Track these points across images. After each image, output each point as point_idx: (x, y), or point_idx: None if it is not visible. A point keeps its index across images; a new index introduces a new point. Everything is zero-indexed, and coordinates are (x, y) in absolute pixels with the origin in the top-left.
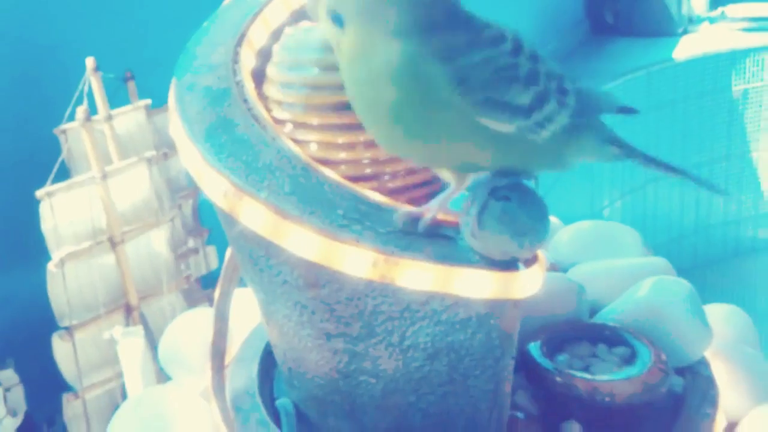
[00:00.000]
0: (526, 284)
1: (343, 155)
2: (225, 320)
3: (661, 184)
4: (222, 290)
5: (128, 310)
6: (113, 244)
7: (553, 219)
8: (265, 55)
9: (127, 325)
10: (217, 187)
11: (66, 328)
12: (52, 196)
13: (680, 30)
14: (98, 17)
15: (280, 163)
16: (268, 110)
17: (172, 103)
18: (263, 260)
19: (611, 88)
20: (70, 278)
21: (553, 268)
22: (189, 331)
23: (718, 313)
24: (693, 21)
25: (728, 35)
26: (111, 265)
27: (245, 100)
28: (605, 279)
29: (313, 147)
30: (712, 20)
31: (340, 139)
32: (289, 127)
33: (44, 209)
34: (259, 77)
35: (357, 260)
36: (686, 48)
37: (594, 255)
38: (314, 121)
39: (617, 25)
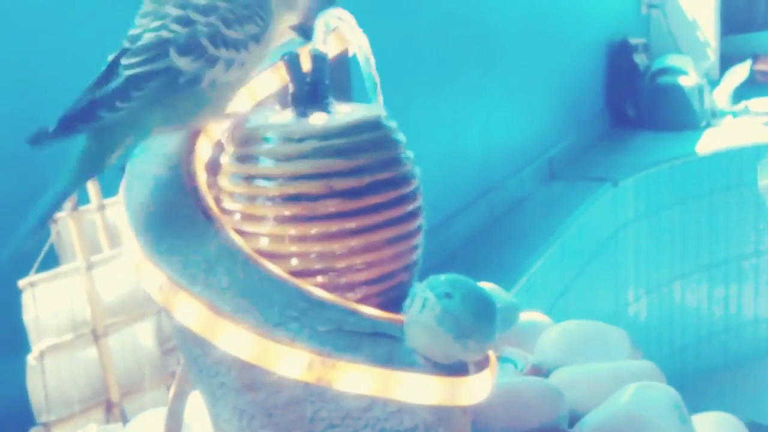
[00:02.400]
0: (475, 390)
1: (293, 248)
2: (178, 421)
3: (689, 280)
4: (177, 390)
5: (109, 406)
6: (96, 336)
7: (540, 316)
8: (221, 146)
9: (108, 422)
10: (154, 280)
11: (44, 424)
12: (35, 286)
13: (703, 124)
14: None
15: (220, 257)
16: (219, 201)
17: (121, 192)
18: (201, 359)
19: (633, 180)
20: (50, 372)
21: (536, 371)
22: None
23: (710, 422)
24: (716, 115)
25: (752, 129)
26: (93, 359)
27: (194, 191)
28: (588, 384)
29: (263, 240)
30: (735, 114)
31: (291, 231)
32: (237, 218)
33: (26, 299)
34: (215, 168)
35: (292, 361)
36: (710, 142)
37: (580, 356)
38: (264, 213)
39: (639, 118)
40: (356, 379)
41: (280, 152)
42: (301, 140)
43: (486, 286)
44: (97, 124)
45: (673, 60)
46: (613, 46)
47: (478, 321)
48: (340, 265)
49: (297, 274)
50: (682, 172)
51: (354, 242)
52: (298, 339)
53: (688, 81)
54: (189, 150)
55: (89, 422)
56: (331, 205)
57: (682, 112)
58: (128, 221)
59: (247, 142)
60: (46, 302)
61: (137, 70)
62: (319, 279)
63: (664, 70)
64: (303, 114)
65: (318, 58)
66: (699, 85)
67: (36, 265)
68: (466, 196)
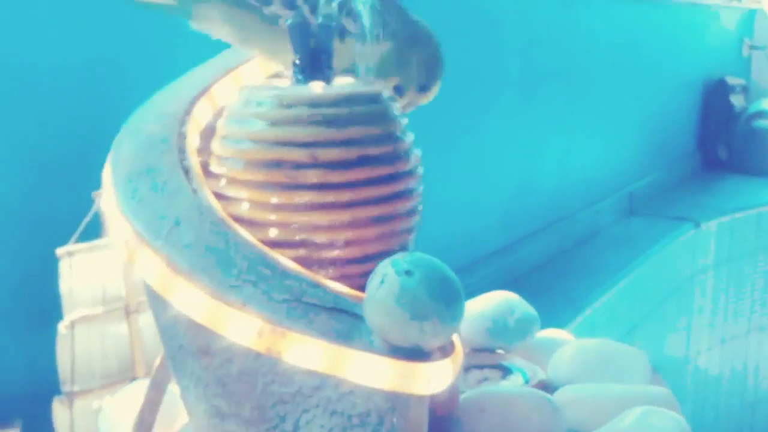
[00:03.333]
0: (433, 378)
1: (273, 217)
2: (160, 390)
3: (767, 333)
4: (163, 360)
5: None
6: (128, 312)
7: (564, 334)
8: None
9: None
10: (121, 232)
11: (67, 394)
12: (72, 255)
13: None
14: None
15: (189, 215)
16: (206, 164)
17: (113, 145)
18: (161, 318)
19: (717, 224)
20: (79, 343)
21: (542, 385)
22: (127, 403)
23: None
24: None
25: None
26: (123, 335)
27: (180, 150)
28: (593, 403)
29: (244, 206)
30: None
31: (272, 199)
32: (222, 182)
33: (63, 268)
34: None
35: (242, 326)
36: None
37: (593, 375)
38: (246, 177)
39: (730, 160)
40: (306, 352)
41: (269, 116)
42: (290, 106)
43: (504, 294)
44: None
45: None
46: (709, 85)
47: (438, 302)
48: (321, 239)
49: (276, 244)
50: None
51: (336, 217)
52: (250, 304)
53: None
54: (187, 111)
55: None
56: (314, 175)
57: None
58: (110, 173)
59: (242, 105)
60: (82, 273)
61: None
62: (299, 251)
63: (761, 114)
64: (302, 82)
65: (323, 28)
66: None
67: (76, 235)
68: (538, 222)
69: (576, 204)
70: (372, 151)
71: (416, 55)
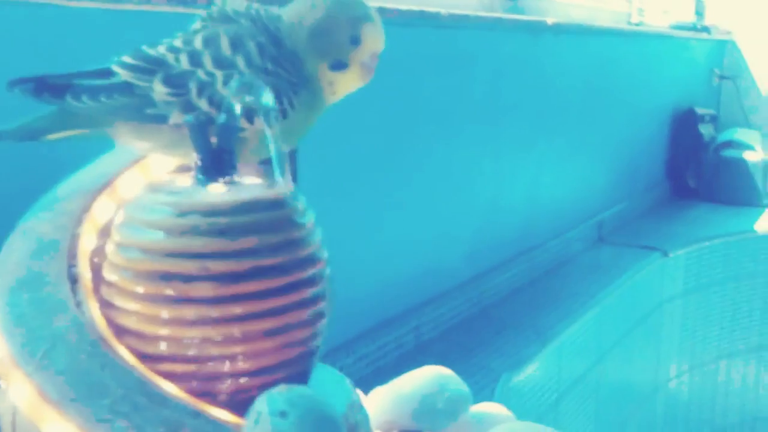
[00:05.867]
0: None
1: (163, 331)
2: None
3: (736, 360)
4: None
5: None
6: None
7: (499, 408)
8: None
9: None
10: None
11: None
12: None
13: (765, 202)
14: None
15: (68, 334)
16: (99, 271)
17: (4, 249)
18: None
19: (685, 253)
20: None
21: None
22: None
23: None
24: None
25: None
26: None
27: (71, 255)
28: None
29: (133, 319)
30: None
31: (162, 312)
32: (113, 291)
33: None
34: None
35: None
36: None
37: None
38: (136, 289)
39: (699, 189)
40: None
41: (161, 224)
42: (183, 215)
43: (437, 370)
44: (60, 103)
45: (740, 134)
46: (678, 114)
47: None
48: (212, 353)
49: (166, 359)
50: (738, 249)
51: (228, 330)
52: None
53: (754, 156)
54: (85, 208)
55: None
56: (205, 289)
57: (745, 187)
58: None
59: (134, 210)
60: None
61: (122, 75)
62: (188, 367)
63: (730, 143)
64: (202, 183)
65: (223, 127)
66: (765, 162)
67: None
68: (507, 252)
69: (545, 233)
70: (267, 261)
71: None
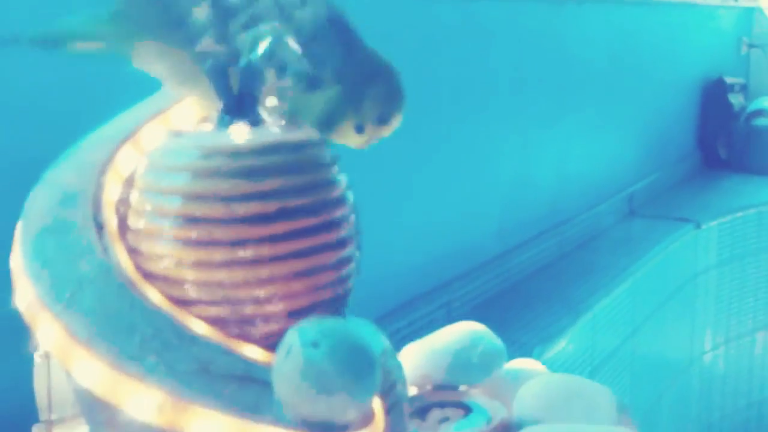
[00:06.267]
0: None
1: (190, 275)
2: None
3: None
4: None
5: None
6: None
7: (534, 364)
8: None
9: None
10: (23, 293)
11: (46, 422)
12: None
13: None
14: None
15: (95, 276)
16: (124, 218)
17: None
18: (72, 383)
19: (718, 224)
20: (55, 372)
21: (503, 426)
22: None
23: None
24: None
25: None
26: None
27: (95, 202)
28: None
29: (160, 263)
30: None
31: (189, 256)
32: (139, 237)
33: None
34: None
35: (142, 401)
36: None
37: (560, 414)
38: (163, 233)
39: (731, 160)
40: (210, 427)
41: (186, 167)
42: (207, 157)
43: (468, 326)
44: None
45: None
46: (708, 84)
47: (346, 376)
48: (241, 296)
49: (193, 303)
50: None
51: (257, 273)
52: (150, 376)
53: None
54: (109, 159)
55: None
56: (232, 231)
57: None
58: (20, 230)
59: (159, 155)
60: None
61: None
62: (219, 310)
63: (761, 112)
64: (225, 125)
65: (245, 70)
66: None
67: None
68: (536, 227)
69: (575, 207)
70: (293, 203)
71: (371, 91)
